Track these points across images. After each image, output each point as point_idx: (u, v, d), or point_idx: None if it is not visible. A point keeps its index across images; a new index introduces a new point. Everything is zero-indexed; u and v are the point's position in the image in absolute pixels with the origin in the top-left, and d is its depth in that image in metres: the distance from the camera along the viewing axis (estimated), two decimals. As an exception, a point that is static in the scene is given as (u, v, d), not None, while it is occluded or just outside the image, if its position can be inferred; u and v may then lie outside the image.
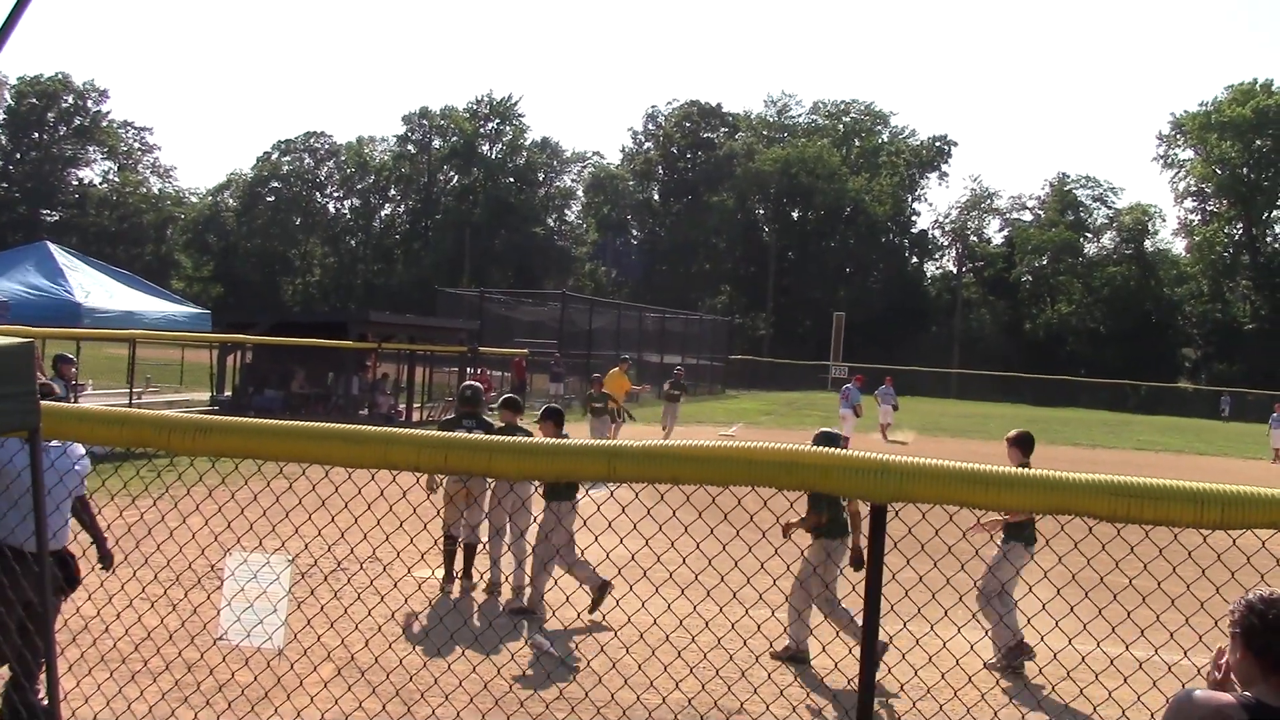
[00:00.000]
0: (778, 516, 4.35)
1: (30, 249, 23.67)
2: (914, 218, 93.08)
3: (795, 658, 7.62)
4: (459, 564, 10.18)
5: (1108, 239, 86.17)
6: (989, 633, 7.73)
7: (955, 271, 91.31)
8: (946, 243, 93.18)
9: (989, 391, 69.75)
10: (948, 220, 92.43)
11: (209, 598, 6.97)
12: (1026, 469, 3.43)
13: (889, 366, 56.37)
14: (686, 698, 6.53)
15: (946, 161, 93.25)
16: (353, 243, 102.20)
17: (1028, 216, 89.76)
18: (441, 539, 10.06)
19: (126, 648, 6.37)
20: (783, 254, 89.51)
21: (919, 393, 64.23)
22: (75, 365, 15.22)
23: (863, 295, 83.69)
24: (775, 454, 3.50)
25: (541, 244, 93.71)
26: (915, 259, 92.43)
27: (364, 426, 4.05)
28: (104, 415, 4.28)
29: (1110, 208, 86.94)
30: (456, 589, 9.91)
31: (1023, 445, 8.87)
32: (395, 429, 3.98)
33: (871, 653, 3.71)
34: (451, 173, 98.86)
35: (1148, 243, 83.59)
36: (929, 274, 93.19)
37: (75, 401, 16.28)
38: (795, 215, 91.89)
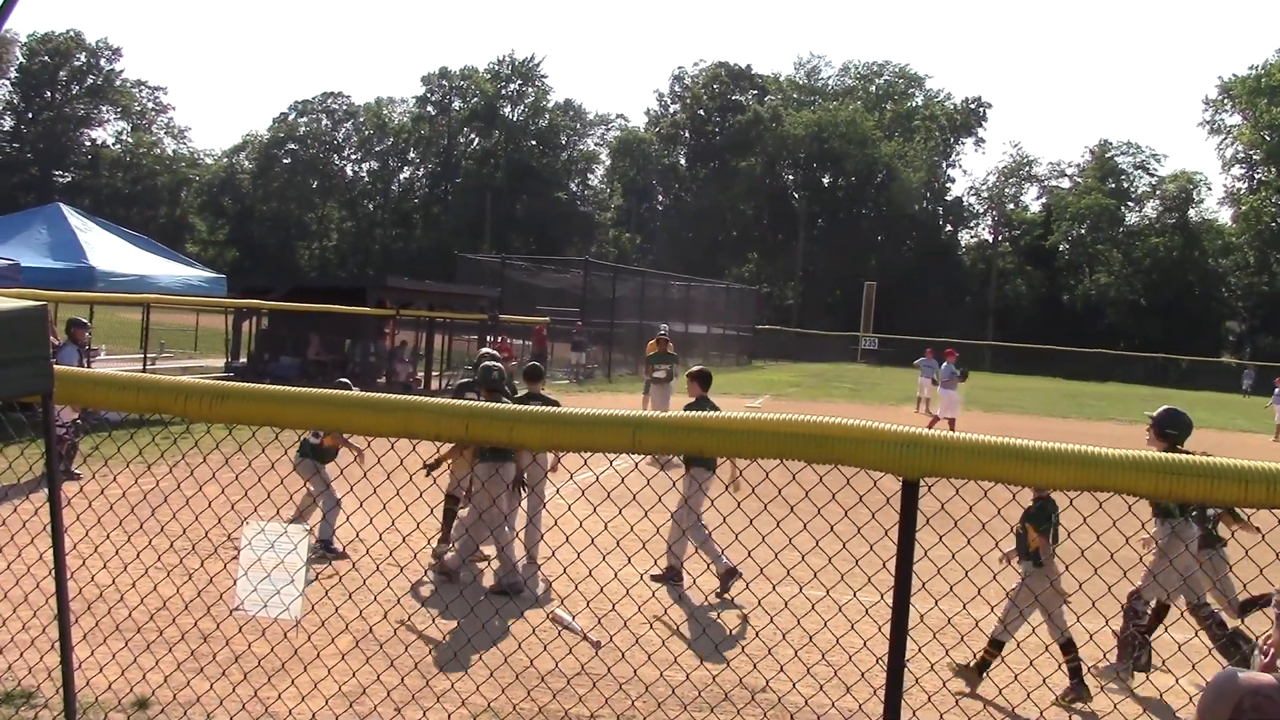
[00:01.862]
0: (832, 494, 4.36)
1: (43, 211, 23.81)
2: (948, 184, 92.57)
3: (670, 577, 8.98)
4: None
5: (1150, 208, 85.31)
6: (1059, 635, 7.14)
7: (990, 240, 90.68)
8: (982, 210, 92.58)
9: (1024, 364, 69.38)
10: (983, 187, 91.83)
11: (225, 567, 7.04)
12: (1174, 453, 3.32)
13: (922, 338, 56.15)
14: (711, 674, 6.56)
15: (982, 126, 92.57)
16: (371, 206, 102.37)
17: (1066, 184, 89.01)
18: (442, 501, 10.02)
19: (141, 617, 6.44)
20: (812, 221, 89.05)
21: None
22: (89, 330, 15.33)
23: (894, 264, 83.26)
24: (805, 427, 3.50)
25: (564, 209, 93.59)
26: (949, 227, 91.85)
27: (384, 394, 4.06)
28: (120, 380, 4.30)
29: (1153, 175, 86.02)
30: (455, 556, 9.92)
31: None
32: (416, 397, 3.99)
33: (902, 631, 3.71)
34: (472, 135, 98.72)
35: (1192, 211, 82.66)
36: (963, 243, 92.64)
37: (89, 367, 16.41)
38: (825, 181, 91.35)
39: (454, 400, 3.77)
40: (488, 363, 10.34)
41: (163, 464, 8.01)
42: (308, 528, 4.49)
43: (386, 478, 4.67)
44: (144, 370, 20.21)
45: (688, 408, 10.22)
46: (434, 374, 29.15)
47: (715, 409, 10.32)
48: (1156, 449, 7.21)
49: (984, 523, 4.77)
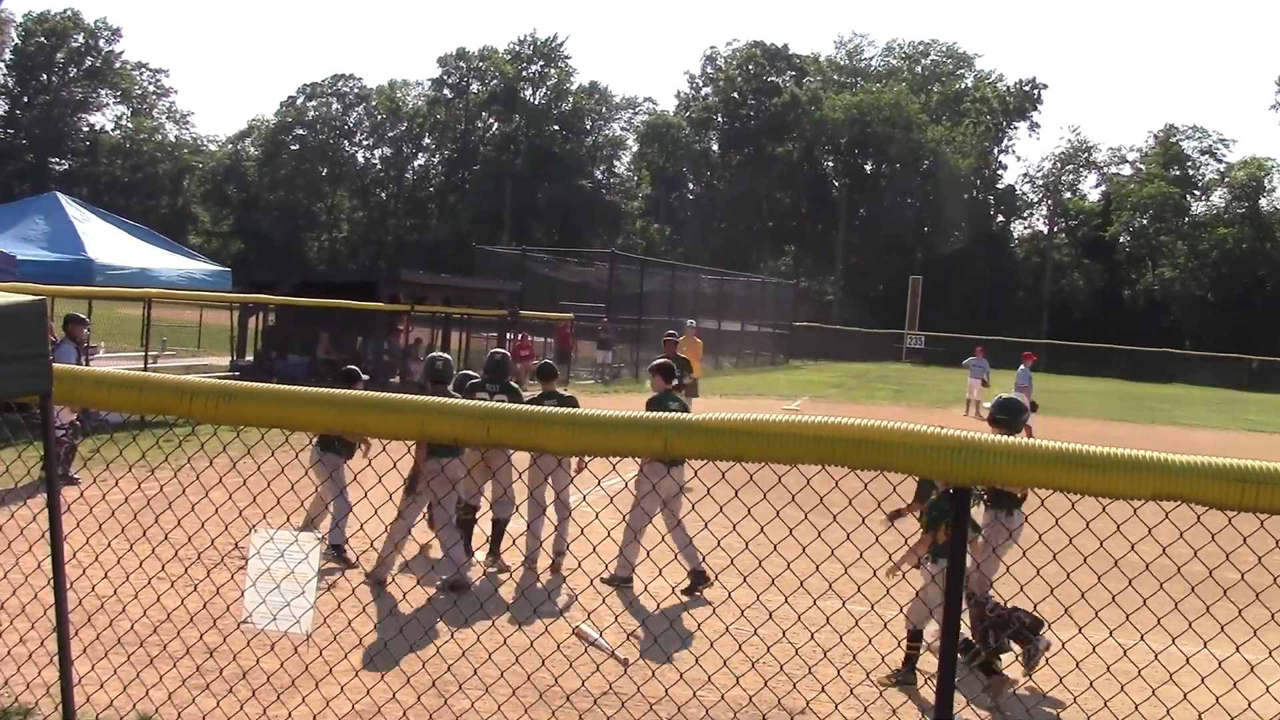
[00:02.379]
0: (879, 503, 4.34)
1: (39, 200, 24.06)
2: (1000, 171, 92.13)
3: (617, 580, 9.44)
4: (479, 541, 10.27)
5: (1218, 196, 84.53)
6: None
7: (1045, 231, 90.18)
8: (1036, 199, 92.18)
9: (1081, 364, 68.90)
10: (1038, 174, 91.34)
11: (232, 578, 7.09)
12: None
13: (971, 336, 55.89)
14: (747, 694, 6.54)
15: (1037, 109, 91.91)
16: (383, 195, 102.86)
17: (1127, 171, 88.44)
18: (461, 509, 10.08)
19: (144, 630, 6.49)
20: (853, 211, 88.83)
21: (1004, 365, 63.60)
22: (88, 326, 15.45)
23: (942, 257, 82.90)
24: (848, 430, 3.49)
25: (589, 198, 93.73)
26: (1001, 217, 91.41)
27: (400, 395, 4.08)
28: (121, 380, 4.35)
29: (1221, 161, 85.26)
30: (478, 571, 9.95)
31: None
32: (432, 398, 4.01)
33: (951, 651, 3.69)
34: (491, 120, 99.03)
35: (1263, 201, 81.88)
36: (1016, 234, 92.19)
37: (88, 365, 16.54)
38: (868, 168, 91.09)
39: (471, 400, 3.78)
40: (434, 354, 10.63)
41: (166, 468, 8.08)
42: (319, 536, 4.52)
43: (404, 484, 4.68)
44: (145, 369, 20.39)
45: (649, 404, 10.43)
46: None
47: (683, 406, 10.45)
48: None
49: (1040, 534, 4.74)
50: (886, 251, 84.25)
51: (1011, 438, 3.49)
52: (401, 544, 9.27)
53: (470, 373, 11.59)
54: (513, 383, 10.73)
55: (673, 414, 3.84)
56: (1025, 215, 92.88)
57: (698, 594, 9.46)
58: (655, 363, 11.15)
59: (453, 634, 7.74)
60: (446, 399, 4.11)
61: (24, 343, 3.87)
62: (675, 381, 11.03)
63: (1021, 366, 26.63)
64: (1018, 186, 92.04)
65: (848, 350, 68.53)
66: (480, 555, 10.24)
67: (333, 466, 9.79)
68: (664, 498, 9.56)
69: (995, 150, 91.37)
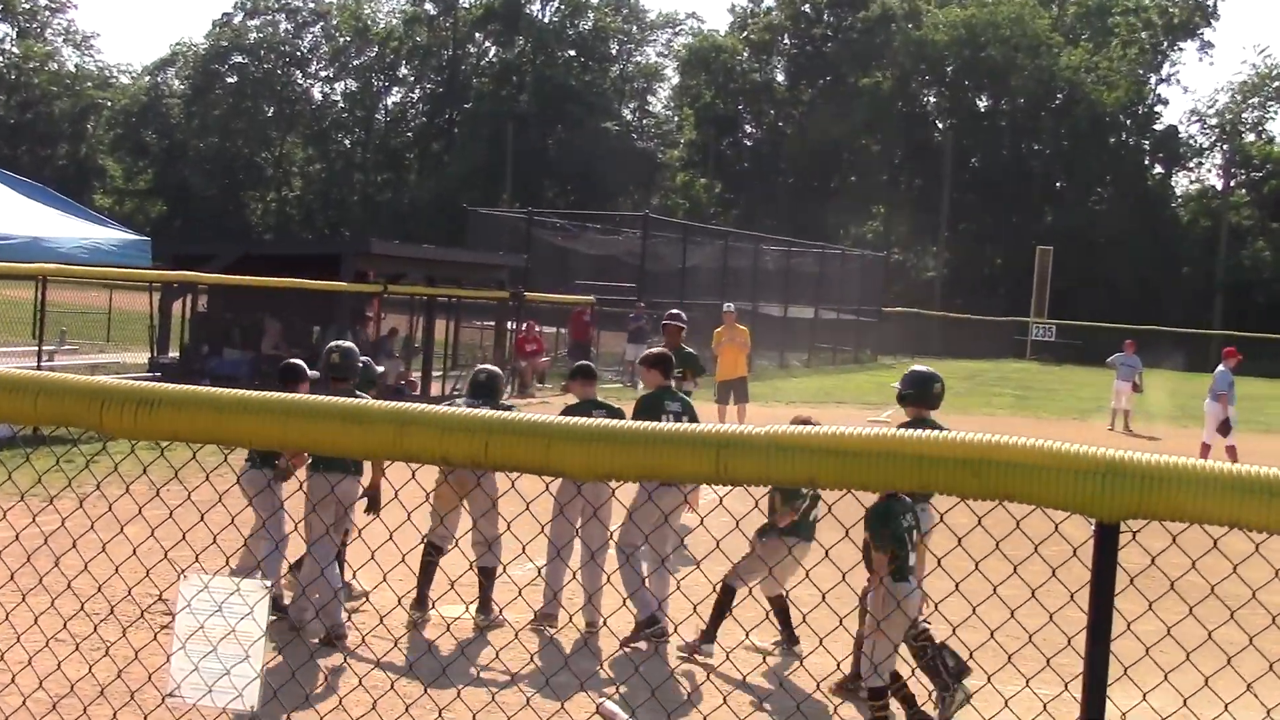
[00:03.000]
0: (997, 543, 4.33)
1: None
2: (1159, 108, 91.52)
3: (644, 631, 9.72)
4: (451, 588, 10.31)
5: None
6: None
7: (1219, 187, 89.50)
8: (1207, 144, 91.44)
9: (1267, 362, 68.36)
10: (1210, 112, 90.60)
11: (155, 638, 7.14)
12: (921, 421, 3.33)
13: (1119, 326, 55.57)
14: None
15: (1210, 25, 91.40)
16: (348, 143, 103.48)
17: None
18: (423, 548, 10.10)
19: (40, 708, 6.55)
20: (962, 161, 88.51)
21: (1165, 362, 63.24)
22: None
23: (1080, 221, 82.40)
24: (959, 447, 3.48)
25: (614, 145, 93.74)
26: (1159, 168, 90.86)
27: (368, 401, 4.10)
28: (12, 381, 4.37)
29: None
30: (433, 622, 10.02)
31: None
32: (412, 405, 4.03)
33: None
34: (487, 43, 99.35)
35: None
36: (1180, 190, 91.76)
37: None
38: (981, 105, 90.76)
39: (466, 409, 3.82)
40: (333, 343, 10.83)
41: (69, 496, 8.11)
42: (267, 584, 4.55)
43: (375, 518, 4.71)
44: (39, 367, 20.54)
45: (640, 405, 10.73)
46: (434, 373, 29.33)
47: (686, 408, 10.48)
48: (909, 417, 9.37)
49: (1213, 585, 4.72)
50: (1006, 214, 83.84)
51: (1182, 460, 3.47)
52: (327, 587, 9.37)
53: (368, 359, 11.48)
54: (505, 403, 10.81)
55: (727, 426, 3.84)
56: (1193, 166, 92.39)
57: (632, 646, 9.62)
58: (650, 352, 11.33)
59: (440, 712, 7.77)
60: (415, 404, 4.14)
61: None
62: (680, 378, 11.11)
63: (1220, 367, 25.72)
64: (1182, 127, 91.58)
65: (954, 344, 68.18)
66: (478, 609, 10.28)
67: (260, 485, 9.71)
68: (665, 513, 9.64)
69: (1153, 80, 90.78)
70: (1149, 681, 5.03)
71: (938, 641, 8.16)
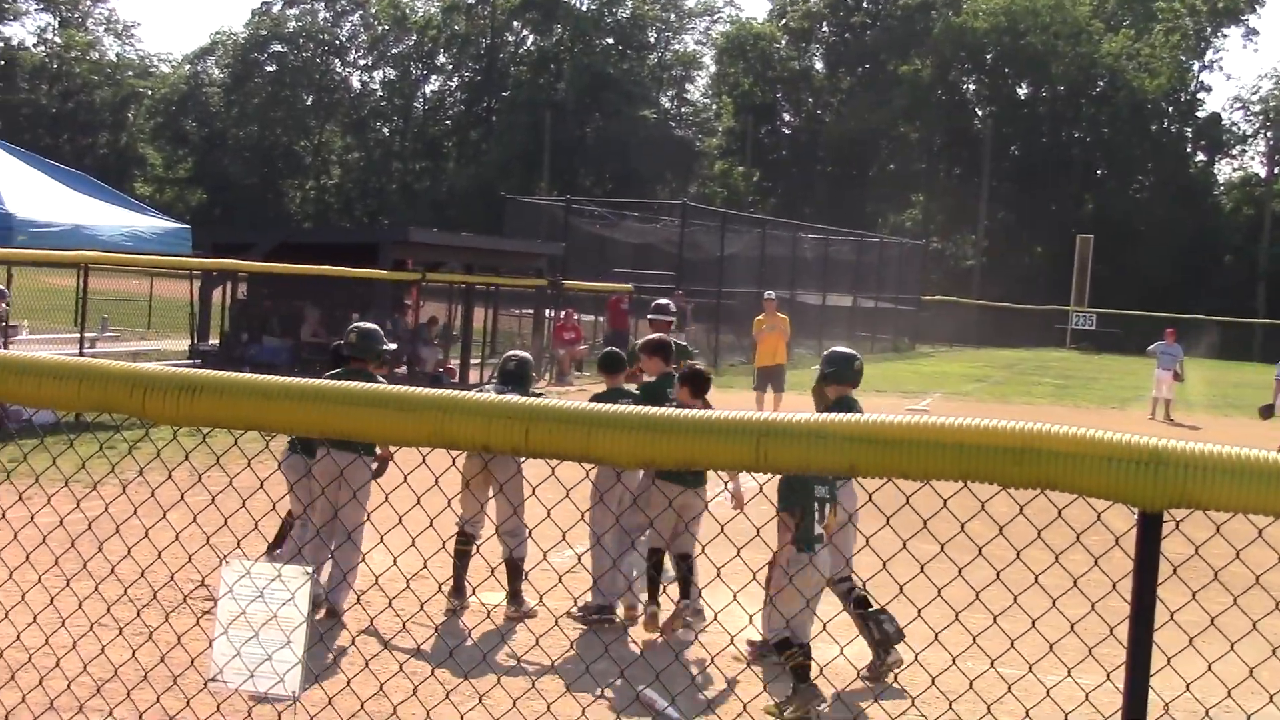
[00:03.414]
0: (1038, 532, 4.31)
1: (-58, 138, 24.37)
2: (1201, 95, 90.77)
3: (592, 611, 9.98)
4: (477, 577, 10.30)
5: None
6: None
7: (1264, 175, 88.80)
8: (1252, 132, 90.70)
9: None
10: (1254, 99, 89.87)
11: (197, 624, 7.17)
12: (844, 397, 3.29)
13: (1159, 315, 55.22)
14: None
15: (1255, 9, 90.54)
16: (386, 131, 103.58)
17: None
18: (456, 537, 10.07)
19: (84, 691, 6.58)
20: (1002, 149, 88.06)
21: (1207, 352, 62.88)
22: (7, 300, 15.76)
23: (1120, 209, 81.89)
24: (1000, 435, 3.46)
25: (652, 133, 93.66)
26: (1202, 155, 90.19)
27: (409, 389, 4.08)
28: (55, 368, 4.38)
29: None
30: (472, 613, 10.05)
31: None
32: (453, 392, 4.02)
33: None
34: (525, 32, 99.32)
35: None
36: (1223, 178, 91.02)
37: (6, 348, 16.67)
38: (1021, 92, 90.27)
39: (500, 396, 3.81)
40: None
41: (112, 482, 8.17)
42: (309, 570, 4.56)
43: (417, 502, 4.72)
44: (81, 354, 20.64)
45: (642, 391, 10.75)
46: (473, 361, 29.40)
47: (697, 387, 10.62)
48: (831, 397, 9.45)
49: (1258, 576, 4.69)
50: (1046, 203, 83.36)
51: (1227, 449, 3.44)
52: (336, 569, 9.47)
53: (377, 334, 11.37)
54: (535, 391, 10.80)
55: (766, 415, 3.82)
56: (1236, 154, 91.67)
57: (586, 623, 9.92)
58: (649, 339, 11.36)
59: (480, 699, 7.79)
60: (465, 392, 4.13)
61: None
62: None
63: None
64: (1226, 114, 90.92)
65: (993, 332, 67.98)
66: (503, 597, 10.29)
67: (301, 472, 9.71)
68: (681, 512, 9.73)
69: (1196, 66, 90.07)
70: (1192, 672, 5.00)
71: (874, 607, 8.55)
